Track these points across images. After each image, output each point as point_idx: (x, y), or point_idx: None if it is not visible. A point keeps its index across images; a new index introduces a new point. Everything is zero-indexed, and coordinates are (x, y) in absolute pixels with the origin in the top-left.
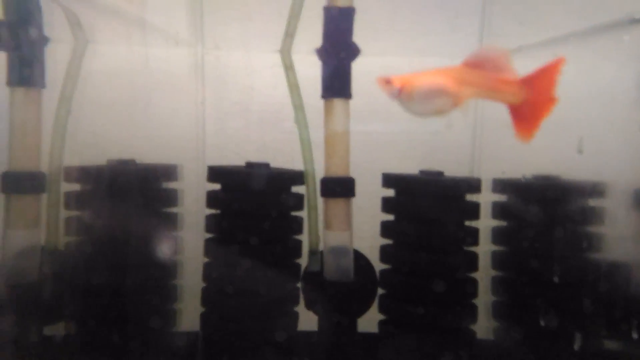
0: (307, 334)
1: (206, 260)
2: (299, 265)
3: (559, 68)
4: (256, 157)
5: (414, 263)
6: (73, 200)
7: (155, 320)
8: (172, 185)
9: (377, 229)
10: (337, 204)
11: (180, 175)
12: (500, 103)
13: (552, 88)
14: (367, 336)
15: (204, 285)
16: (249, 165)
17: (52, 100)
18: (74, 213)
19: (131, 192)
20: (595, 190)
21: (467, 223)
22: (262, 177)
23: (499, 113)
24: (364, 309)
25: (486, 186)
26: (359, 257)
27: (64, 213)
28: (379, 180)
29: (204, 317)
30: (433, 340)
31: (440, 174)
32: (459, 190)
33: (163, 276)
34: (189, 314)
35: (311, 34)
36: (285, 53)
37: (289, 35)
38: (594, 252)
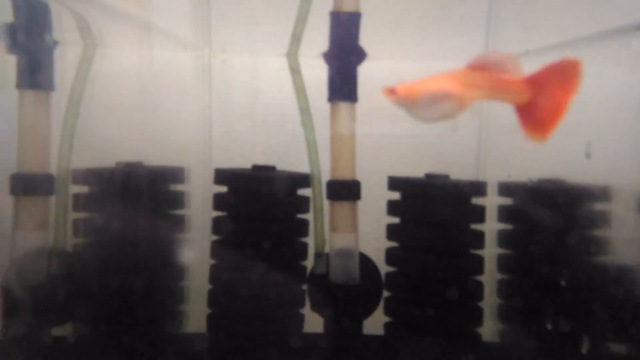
0: (313, 336)
1: (212, 262)
2: (304, 268)
3: (568, 66)
4: (262, 160)
5: (420, 266)
6: (81, 202)
7: (162, 321)
8: (179, 187)
9: (382, 231)
10: (343, 207)
11: (187, 177)
12: (507, 103)
13: (563, 85)
14: (372, 338)
15: (210, 287)
16: (256, 167)
17: (61, 103)
18: (82, 215)
19: (139, 194)
20: (602, 193)
21: (473, 226)
22: (269, 180)
23: (505, 116)
24: (369, 311)
25: (492, 189)
26: (364, 259)
27: (72, 215)
28: (384, 183)
29: (210, 319)
30: (439, 342)
31: (446, 177)
32: (464, 193)
33: (170, 278)
34: (195, 315)
35: (317, 38)
36: (292, 57)
37: (296, 39)
38: (601, 256)
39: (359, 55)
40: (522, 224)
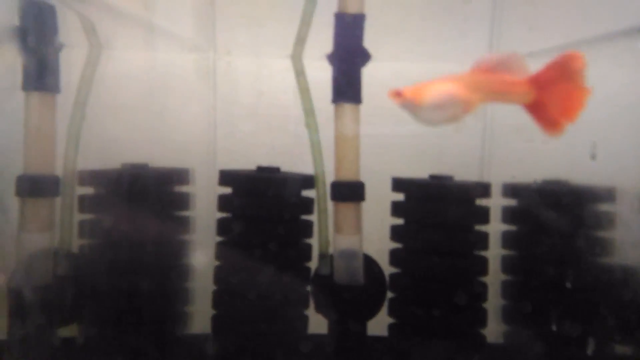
0: (317, 337)
1: (217, 263)
2: (309, 269)
3: (570, 60)
4: (266, 161)
5: (424, 267)
6: (87, 204)
7: (168, 322)
8: (184, 188)
9: (386, 232)
10: (347, 208)
11: (192, 179)
12: (514, 104)
13: (568, 80)
14: (376, 339)
15: (215, 287)
16: (260, 169)
17: (67, 105)
18: (87, 216)
19: (144, 195)
20: (606, 195)
21: (477, 227)
22: (273, 181)
23: (508, 118)
24: (373, 312)
25: (496, 190)
26: (368, 260)
27: (77, 216)
28: (388, 184)
29: (214, 320)
30: (443, 343)
31: (450, 178)
32: (469, 194)
33: (175, 279)
34: (200, 316)
35: (321, 40)
36: (297, 59)
37: (300, 40)
38: (605, 257)
39: (364, 56)
40: (527, 225)
